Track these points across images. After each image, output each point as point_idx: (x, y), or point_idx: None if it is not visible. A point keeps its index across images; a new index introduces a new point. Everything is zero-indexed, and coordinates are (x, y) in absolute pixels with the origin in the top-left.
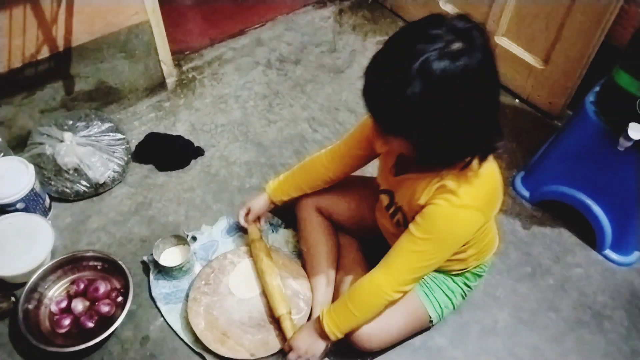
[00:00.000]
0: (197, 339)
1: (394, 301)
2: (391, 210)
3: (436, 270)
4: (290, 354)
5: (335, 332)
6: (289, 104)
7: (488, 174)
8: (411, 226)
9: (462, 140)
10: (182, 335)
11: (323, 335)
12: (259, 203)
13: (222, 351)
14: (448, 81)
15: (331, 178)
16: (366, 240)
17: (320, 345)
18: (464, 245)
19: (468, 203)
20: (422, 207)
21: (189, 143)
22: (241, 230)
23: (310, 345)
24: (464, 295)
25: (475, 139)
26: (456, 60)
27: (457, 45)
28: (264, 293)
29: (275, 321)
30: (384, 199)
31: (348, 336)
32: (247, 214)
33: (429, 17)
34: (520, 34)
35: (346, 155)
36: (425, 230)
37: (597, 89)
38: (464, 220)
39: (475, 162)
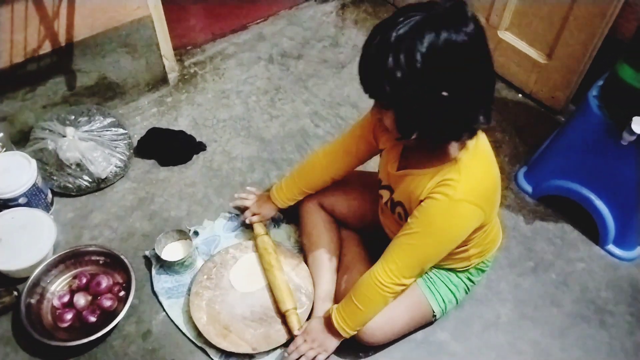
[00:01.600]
0: (199, 334)
1: (397, 293)
2: (389, 205)
3: (439, 268)
4: (303, 346)
5: (345, 328)
6: (291, 99)
7: (487, 171)
8: (409, 220)
9: (441, 115)
10: (184, 330)
11: (334, 331)
12: (268, 210)
13: (224, 345)
14: (430, 52)
15: (332, 178)
16: (368, 235)
17: (333, 342)
18: (465, 245)
19: (466, 197)
20: (422, 201)
21: (191, 138)
22: (243, 225)
23: (323, 340)
24: (467, 290)
25: (457, 117)
26: (441, 31)
27: (443, 15)
28: (270, 287)
29: (281, 315)
30: (385, 195)
31: None
32: (252, 214)
33: None
34: (524, 28)
35: (345, 154)
36: (423, 224)
37: (600, 82)
38: (462, 215)
39: (464, 147)
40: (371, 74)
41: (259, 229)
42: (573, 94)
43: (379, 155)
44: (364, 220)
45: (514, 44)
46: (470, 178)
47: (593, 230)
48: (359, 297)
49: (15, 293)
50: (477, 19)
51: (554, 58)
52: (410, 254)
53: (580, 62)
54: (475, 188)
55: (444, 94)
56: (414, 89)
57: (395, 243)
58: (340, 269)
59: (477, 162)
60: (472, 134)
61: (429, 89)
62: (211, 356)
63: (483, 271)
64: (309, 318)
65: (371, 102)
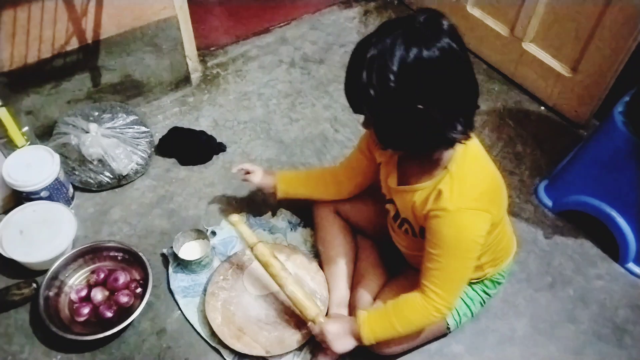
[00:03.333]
0: (213, 333)
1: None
2: (398, 221)
3: None
4: (317, 333)
5: (370, 337)
6: (311, 103)
7: (480, 174)
8: (426, 245)
9: (417, 127)
10: (199, 329)
11: (356, 336)
12: (265, 180)
13: (237, 347)
14: (401, 70)
15: (341, 192)
16: (383, 242)
17: (348, 343)
18: None
19: (465, 204)
20: (426, 216)
21: (211, 139)
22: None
23: (339, 337)
24: (482, 302)
25: (433, 128)
26: (411, 47)
27: (417, 30)
28: (290, 301)
29: (303, 323)
30: (391, 209)
31: None
32: (246, 173)
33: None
34: (549, 41)
35: (355, 168)
36: (437, 245)
37: (626, 99)
38: (466, 223)
39: (453, 156)
40: (349, 90)
41: (250, 238)
42: (597, 108)
43: None
44: (379, 227)
45: (538, 55)
46: (463, 185)
47: (613, 248)
48: (402, 319)
49: (35, 285)
50: (453, 31)
51: (578, 72)
52: (442, 277)
53: (605, 77)
54: (469, 194)
55: (419, 107)
56: (387, 104)
57: (425, 271)
58: (355, 275)
59: (467, 168)
60: (450, 144)
61: (402, 105)
62: (225, 357)
63: (499, 283)
64: None
65: None
